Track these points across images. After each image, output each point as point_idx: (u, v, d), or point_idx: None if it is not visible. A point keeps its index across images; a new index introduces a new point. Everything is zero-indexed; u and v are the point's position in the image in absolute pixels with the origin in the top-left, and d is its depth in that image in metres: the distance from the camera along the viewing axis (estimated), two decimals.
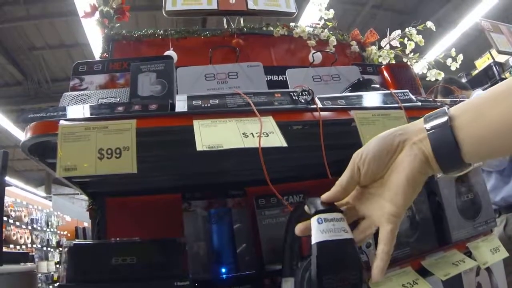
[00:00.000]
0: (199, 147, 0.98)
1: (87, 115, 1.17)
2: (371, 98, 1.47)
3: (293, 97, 1.30)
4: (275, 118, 1.15)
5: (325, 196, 0.84)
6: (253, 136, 1.04)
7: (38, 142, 1.11)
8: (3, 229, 8.04)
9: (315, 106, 1.27)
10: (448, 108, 0.75)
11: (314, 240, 0.76)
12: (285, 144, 1.04)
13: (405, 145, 0.76)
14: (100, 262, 1.29)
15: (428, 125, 0.75)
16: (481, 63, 6.19)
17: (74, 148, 1.02)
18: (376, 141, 0.79)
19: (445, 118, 0.73)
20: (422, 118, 0.78)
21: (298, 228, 0.85)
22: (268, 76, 2.04)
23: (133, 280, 1.28)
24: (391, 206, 0.75)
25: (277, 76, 2.13)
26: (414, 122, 0.80)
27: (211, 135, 1.03)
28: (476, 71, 6.11)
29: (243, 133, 1.04)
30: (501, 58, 5.63)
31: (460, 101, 1.74)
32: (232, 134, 1.04)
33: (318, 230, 0.76)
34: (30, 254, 8.87)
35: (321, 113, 1.25)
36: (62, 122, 1.06)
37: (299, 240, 0.97)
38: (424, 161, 0.74)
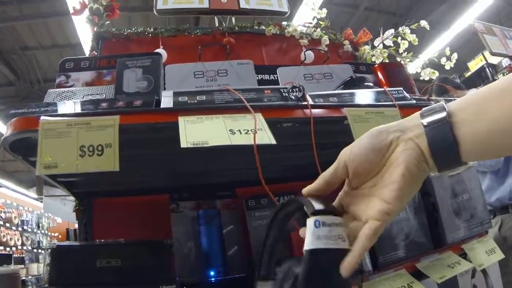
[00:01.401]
0: (183, 144, 0.94)
1: (70, 111, 1.13)
2: (364, 96, 1.43)
3: (283, 93, 1.26)
4: (264, 115, 1.11)
5: (305, 189, 0.79)
6: (240, 133, 1.00)
7: (20, 139, 1.07)
8: None
9: (306, 103, 1.24)
10: (446, 103, 0.70)
11: (308, 246, 0.70)
12: (274, 142, 1.00)
13: (400, 142, 0.71)
14: (84, 264, 1.26)
15: (425, 121, 0.70)
16: (474, 65, 6.19)
17: (55, 145, 0.98)
18: (368, 138, 0.74)
19: (443, 114, 0.68)
20: (418, 113, 0.73)
21: (302, 233, 0.76)
22: (259, 76, 2.01)
23: (118, 283, 1.24)
24: (383, 203, 0.70)
25: (268, 76, 2.10)
26: (409, 117, 0.75)
27: (196, 132, 0.99)
28: (469, 73, 6.10)
29: (230, 130, 1.00)
30: (494, 60, 5.63)
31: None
32: (218, 131, 1.00)
33: (314, 234, 0.69)
34: (20, 256, 8.82)
35: (312, 110, 1.21)
36: (43, 118, 1.02)
37: (281, 243, 0.92)
38: (421, 157, 0.69)
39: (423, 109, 0.72)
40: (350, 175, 0.75)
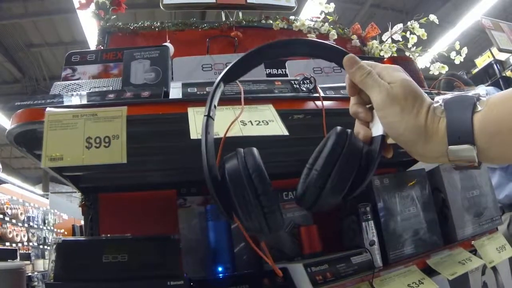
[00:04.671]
0: (193, 135, 0.92)
1: (76, 102, 1.11)
2: None
3: (294, 85, 1.24)
4: (275, 107, 1.09)
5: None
6: (252, 124, 0.97)
7: (25, 131, 1.05)
8: None
9: (317, 94, 1.21)
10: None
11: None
12: (286, 133, 0.98)
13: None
14: (90, 260, 1.23)
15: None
16: (481, 62, 6.14)
17: (61, 137, 0.95)
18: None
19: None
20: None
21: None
22: (267, 70, 1.98)
23: (124, 278, 1.21)
24: None
25: (276, 70, 2.07)
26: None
27: None
28: (476, 69, 6.06)
29: (241, 121, 0.98)
30: (502, 56, 5.59)
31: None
32: (229, 122, 0.97)
33: None
34: (26, 252, 8.84)
35: (324, 101, 1.19)
36: (48, 109, 1.00)
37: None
38: None
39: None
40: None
